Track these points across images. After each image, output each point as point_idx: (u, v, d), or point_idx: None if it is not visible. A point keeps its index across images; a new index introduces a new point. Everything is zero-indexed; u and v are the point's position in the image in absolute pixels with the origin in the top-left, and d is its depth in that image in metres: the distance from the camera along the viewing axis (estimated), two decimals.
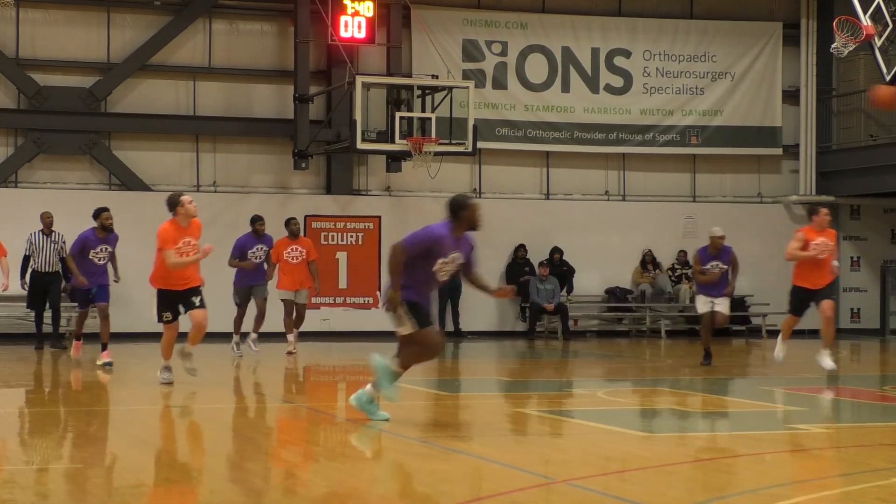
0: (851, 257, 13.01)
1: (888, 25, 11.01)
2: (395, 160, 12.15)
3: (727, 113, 12.81)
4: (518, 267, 12.12)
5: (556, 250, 12.17)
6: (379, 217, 12.20)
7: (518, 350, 11.20)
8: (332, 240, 12.10)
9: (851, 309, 13.06)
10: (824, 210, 7.54)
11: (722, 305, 8.10)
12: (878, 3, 11.00)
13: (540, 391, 7.49)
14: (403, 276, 4.41)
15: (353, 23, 11.55)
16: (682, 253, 12.49)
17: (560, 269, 12.12)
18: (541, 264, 12.06)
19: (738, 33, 12.90)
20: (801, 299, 7.39)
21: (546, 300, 11.77)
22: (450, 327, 11.59)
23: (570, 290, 12.21)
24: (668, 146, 12.86)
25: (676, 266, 12.66)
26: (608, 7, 12.88)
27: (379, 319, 11.87)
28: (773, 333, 12.64)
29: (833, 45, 11.64)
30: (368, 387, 4.58)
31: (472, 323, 11.87)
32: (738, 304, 12.67)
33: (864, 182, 12.78)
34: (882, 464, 3.74)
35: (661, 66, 12.80)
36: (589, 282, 12.37)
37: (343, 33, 11.54)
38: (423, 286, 4.52)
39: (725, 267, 8.29)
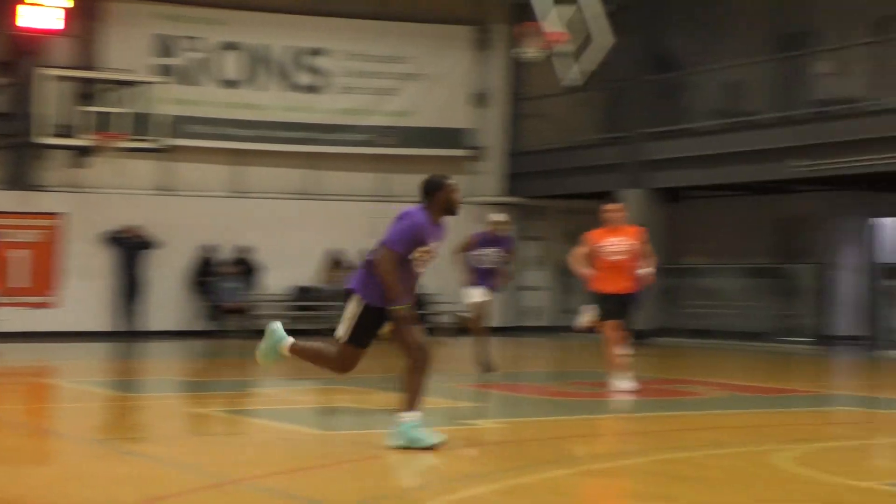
0: (534, 257, 14.02)
1: (574, 32, 11.72)
2: (81, 156, 11.90)
3: (419, 114, 13.35)
4: (204, 265, 12.25)
5: (243, 249, 12.37)
6: (62, 213, 11.86)
7: (201, 349, 11.29)
8: (11, 237, 11.72)
9: (532, 307, 14.15)
10: (610, 206, 6.57)
11: (489, 298, 7.18)
12: (565, 9, 11.55)
13: (220, 391, 7.37)
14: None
15: (40, 12, 11.27)
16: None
17: (246, 267, 12.36)
18: (226, 263, 12.24)
19: (431, 36, 13.38)
20: (608, 301, 6.37)
21: (231, 299, 12.12)
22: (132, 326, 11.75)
23: (256, 289, 12.43)
24: (361, 146, 13.21)
25: None
26: (304, 6, 12.93)
27: (59, 319, 12.03)
28: (459, 332, 13.09)
29: (520, 50, 12.34)
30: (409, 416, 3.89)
31: (157, 322, 11.88)
32: (422, 302, 13.64)
33: (548, 184, 13.70)
34: (553, 457, 3.98)
35: (355, 66, 13.11)
36: (278, 280, 12.60)
37: (27, 23, 11.22)
38: (406, 285, 3.90)
39: (504, 256, 7.58)
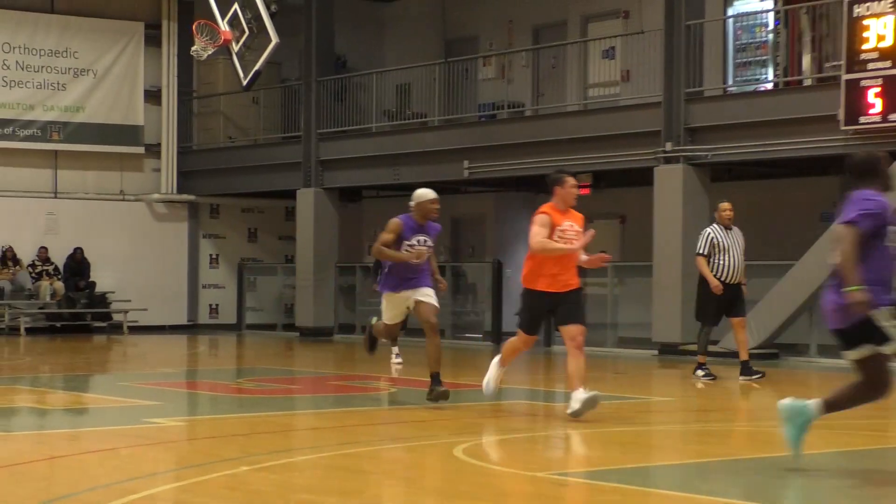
0: (211, 255, 14.08)
1: (245, 32, 11.90)
2: None
3: (90, 110, 12.97)
4: None
5: None
6: None
7: None
8: None
9: (210, 305, 14.14)
10: (571, 180, 5.21)
11: (430, 296, 5.61)
12: (236, 9, 11.60)
13: None
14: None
15: None
16: (43, 249, 12.53)
17: None
18: None
19: (101, 30, 13.07)
20: (536, 309, 5.11)
21: None
22: None
23: None
24: (29, 141, 12.72)
25: (37, 262, 12.63)
26: None
27: None
28: (136, 329, 12.96)
29: (192, 48, 12.32)
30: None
31: None
32: (101, 299, 13.10)
33: (223, 182, 13.81)
34: (233, 454, 3.90)
35: (22, 59, 12.61)
36: None
37: None
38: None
39: (432, 246, 5.97)
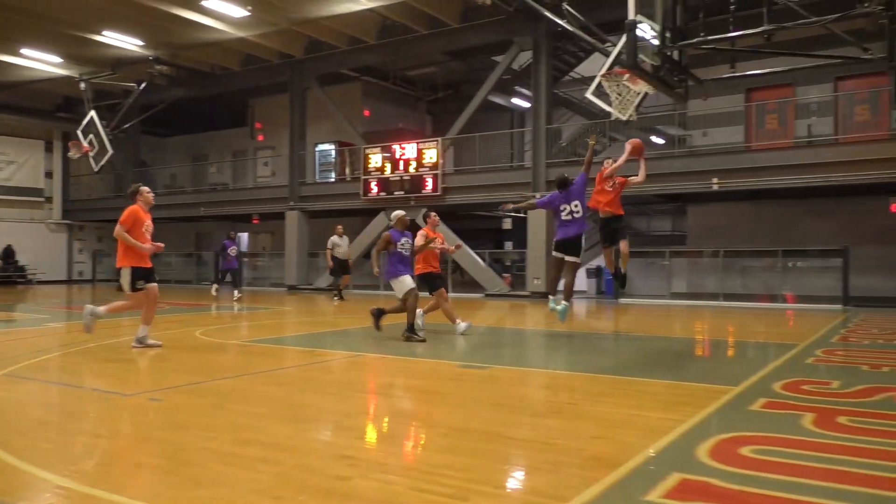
0: (79, 249, 29.08)
1: (95, 146, 26.78)
2: None
3: (16, 180, 27.22)
4: None
5: None
6: None
7: None
8: None
9: (79, 271, 29.12)
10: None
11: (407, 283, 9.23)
12: (91, 136, 26.74)
13: None
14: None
15: None
16: None
17: None
18: None
19: (20, 142, 27.31)
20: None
21: None
22: None
23: None
24: None
25: None
26: None
27: None
28: (41, 283, 28.65)
29: (69, 153, 26.97)
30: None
31: None
32: (21, 269, 27.40)
33: (85, 214, 28.74)
34: None
35: None
36: None
37: None
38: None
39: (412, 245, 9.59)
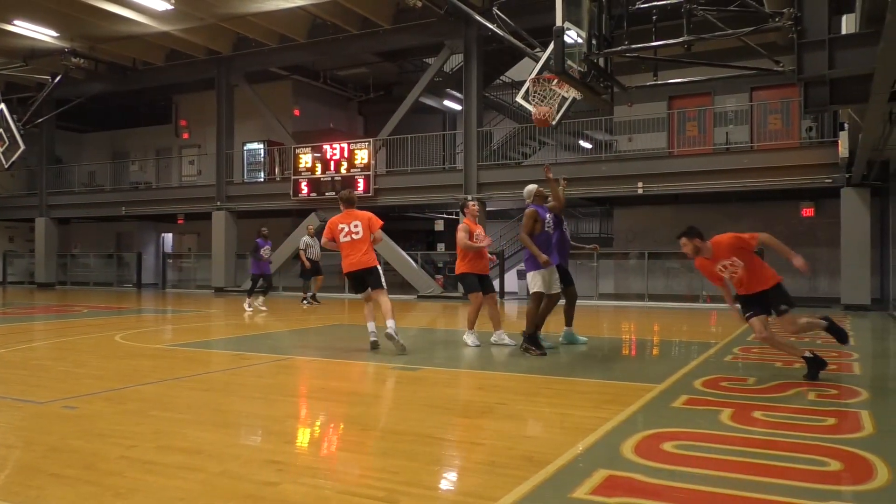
0: None
1: (5, 142, 25.22)
2: None
3: None
4: None
5: None
6: None
7: None
8: None
9: None
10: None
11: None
12: (1, 130, 25.32)
13: None
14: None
15: None
16: None
17: None
18: None
19: None
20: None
21: None
22: None
23: None
24: None
25: None
26: None
27: None
28: None
29: None
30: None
31: None
32: None
33: None
34: None
35: None
36: None
37: None
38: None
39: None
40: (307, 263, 16.28)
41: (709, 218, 19.35)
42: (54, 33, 20.52)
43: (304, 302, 16.56)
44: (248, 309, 14.56)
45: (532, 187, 7.97)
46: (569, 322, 8.61)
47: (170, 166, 27.80)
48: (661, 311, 15.81)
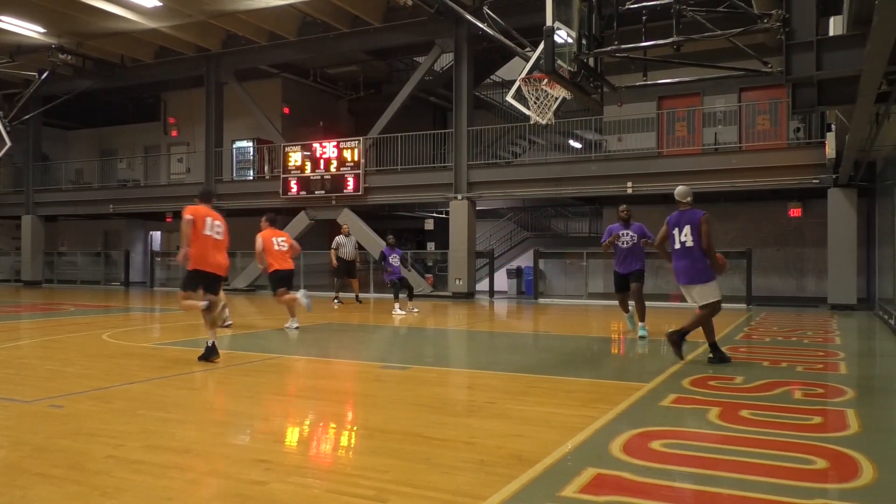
0: None
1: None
2: None
3: None
4: None
5: None
6: None
7: None
8: None
9: None
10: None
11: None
12: None
13: None
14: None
15: None
16: None
17: None
18: None
19: None
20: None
21: None
22: None
23: None
24: None
25: None
26: None
27: None
28: None
29: None
30: None
31: None
32: None
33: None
34: None
35: None
36: None
37: None
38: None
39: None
40: (335, 262, 16.20)
41: None
42: (41, 29, 20.33)
43: (336, 301, 16.45)
44: (399, 313, 13.77)
45: (687, 188, 7.55)
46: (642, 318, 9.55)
47: (158, 164, 27.62)
48: (651, 310, 15.87)
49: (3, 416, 4.97)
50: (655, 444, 4.06)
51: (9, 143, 22.34)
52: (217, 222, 7.53)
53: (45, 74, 22.50)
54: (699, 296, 7.16)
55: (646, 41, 9.42)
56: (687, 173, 17.05)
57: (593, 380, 6.47)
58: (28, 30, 20.23)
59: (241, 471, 3.61)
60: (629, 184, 17.60)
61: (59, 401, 5.35)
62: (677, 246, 7.22)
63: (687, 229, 7.07)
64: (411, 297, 14.48)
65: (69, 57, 21.93)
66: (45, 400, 5.42)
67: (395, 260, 14.13)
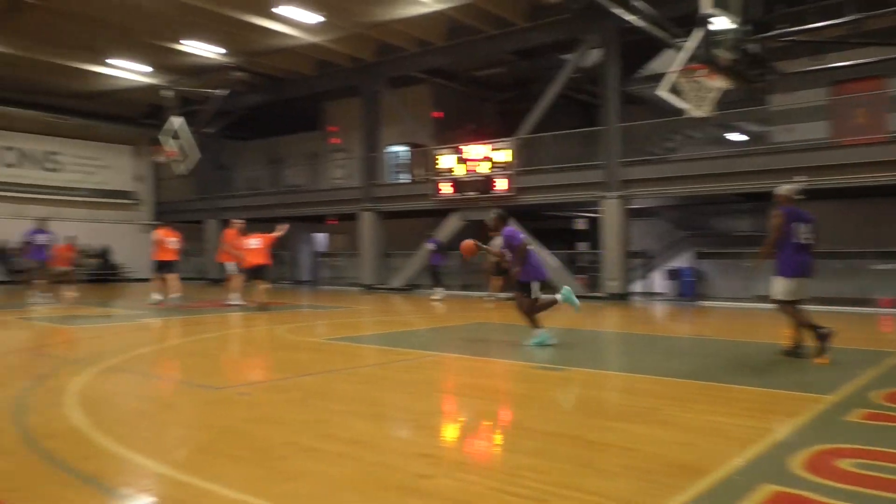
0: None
1: (180, 150, 27.93)
2: None
3: (109, 184, 28.69)
4: None
5: None
6: None
7: None
8: None
9: None
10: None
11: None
12: (181, 141, 27.90)
13: None
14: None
15: None
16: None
17: None
18: None
19: (110, 147, 28.79)
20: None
21: None
22: None
23: None
24: (81, 196, 27.84)
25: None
26: (49, 128, 26.90)
27: None
28: None
29: (153, 157, 28.29)
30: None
31: None
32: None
33: (169, 217, 29.85)
34: None
35: (77, 161, 27.50)
36: None
37: None
38: None
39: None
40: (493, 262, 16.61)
41: (881, 213, 17.64)
42: (221, 50, 22.33)
43: (491, 299, 16.86)
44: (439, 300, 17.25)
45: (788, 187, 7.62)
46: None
47: (320, 170, 29.36)
48: (827, 314, 14.59)
49: (199, 400, 5.53)
50: (845, 463, 3.74)
51: (199, 155, 24.71)
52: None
53: (227, 92, 24.69)
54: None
55: (816, 22, 8.68)
56: (867, 164, 15.50)
57: (765, 389, 6.06)
58: (210, 52, 22.30)
59: (408, 463, 3.77)
60: (804, 177, 16.29)
61: (245, 389, 5.86)
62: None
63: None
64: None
65: (243, 74, 23.94)
66: (233, 388, 5.95)
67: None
